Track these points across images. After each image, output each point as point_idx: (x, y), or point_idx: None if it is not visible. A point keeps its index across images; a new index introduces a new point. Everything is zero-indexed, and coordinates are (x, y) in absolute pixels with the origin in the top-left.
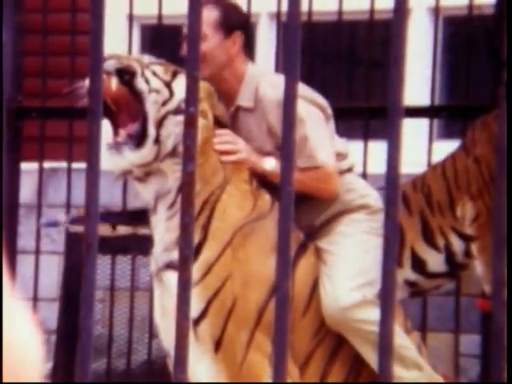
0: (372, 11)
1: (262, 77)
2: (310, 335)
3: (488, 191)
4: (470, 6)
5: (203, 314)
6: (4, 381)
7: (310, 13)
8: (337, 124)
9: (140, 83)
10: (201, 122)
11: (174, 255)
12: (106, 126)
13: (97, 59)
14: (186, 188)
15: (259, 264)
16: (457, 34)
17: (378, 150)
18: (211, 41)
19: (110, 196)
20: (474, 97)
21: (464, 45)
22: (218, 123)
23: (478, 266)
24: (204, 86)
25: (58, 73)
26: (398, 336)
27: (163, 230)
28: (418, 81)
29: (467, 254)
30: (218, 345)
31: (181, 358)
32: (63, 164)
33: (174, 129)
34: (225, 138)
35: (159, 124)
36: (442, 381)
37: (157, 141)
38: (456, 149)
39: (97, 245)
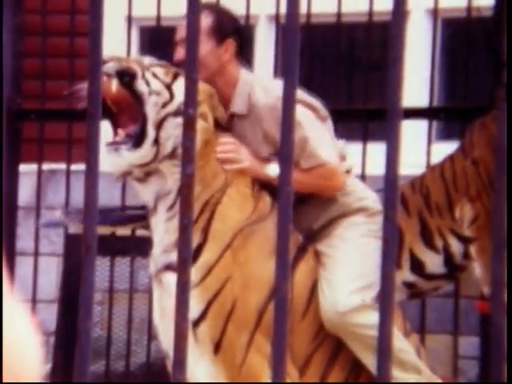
0: (371, 13)
1: (255, 82)
2: (309, 338)
3: (486, 193)
4: (469, 8)
5: (203, 316)
6: (3, 381)
7: (308, 15)
8: (336, 126)
9: (140, 85)
10: (201, 124)
11: (173, 257)
12: (106, 127)
13: (96, 61)
14: (185, 190)
15: (259, 266)
16: (455, 36)
17: (376, 151)
18: (203, 47)
19: (109, 197)
20: (472, 98)
21: (463, 46)
22: (219, 126)
23: (477, 268)
24: (204, 88)
25: (57, 74)
26: (397, 339)
27: (162, 231)
28: (417, 82)
29: (466, 255)
30: (217, 346)
31: (180, 359)
32: (62, 166)
33: (173, 131)
34: (227, 147)
35: (159, 125)
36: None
37: (156, 142)
38: (454, 150)
39: (96, 246)
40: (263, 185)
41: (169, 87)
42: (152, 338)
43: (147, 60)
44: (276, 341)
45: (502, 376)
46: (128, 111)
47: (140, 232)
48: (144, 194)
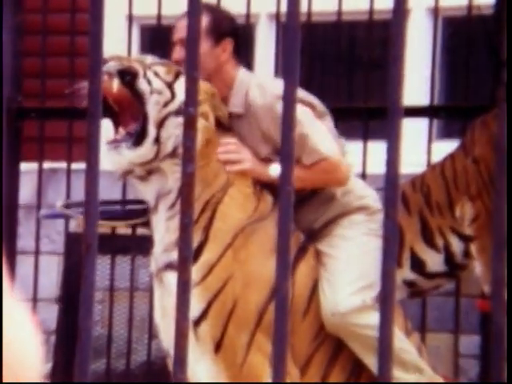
0: (371, 12)
1: (252, 82)
2: (310, 338)
3: (487, 191)
4: (469, 7)
5: (203, 315)
6: (4, 381)
7: (309, 13)
8: (336, 124)
9: (142, 84)
10: (202, 123)
11: (174, 256)
12: (107, 125)
13: (96, 60)
14: (186, 189)
15: (260, 265)
16: (456, 35)
17: (377, 150)
18: (201, 47)
19: (109, 196)
20: (473, 97)
21: (463, 45)
22: (221, 125)
23: (478, 267)
24: (205, 88)
25: (57, 73)
26: (399, 339)
27: (163, 230)
28: (418, 81)
29: (466, 254)
30: (218, 346)
31: (180, 358)
32: (63, 164)
33: (174, 130)
34: (229, 148)
35: (160, 124)
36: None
37: (157, 141)
38: (455, 149)
39: (96, 245)
40: (265, 184)
41: (170, 86)
42: (153, 337)
43: (149, 59)
44: (277, 340)
45: (503, 375)
46: (130, 110)
47: (141, 230)
48: (145, 192)
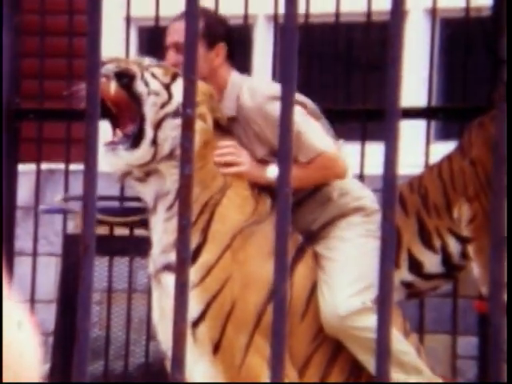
0: (369, 13)
1: (243, 84)
2: (309, 339)
3: (484, 193)
4: (467, 8)
5: (202, 317)
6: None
7: (307, 15)
8: (334, 126)
9: (139, 86)
10: (200, 125)
11: (172, 257)
12: (105, 127)
13: (94, 61)
14: (184, 191)
15: (258, 267)
16: (454, 36)
17: (375, 151)
18: None
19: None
20: (471, 98)
21: (461, 46)
22: (219, 127)
23: (475, 268)
24: (203, 89)
25: (55, 74)
26: (397, 341)
27: (161, 231)
28: (416, 82)
29: (463, 255)
30: (216, 347)
31: (178, 358)
32: (61, 165)
33: (171, 132)
34: (226, 150)
35: (157, 126)
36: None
37: (154, 142)
38: (452, 150)
39: (94, 246)
40: (263, 186)
41: (167, 87)
42: (151, 338)
43: (147, 60)
44: (275, 341)
45: (501, 376)
46: (127, 112)
47: (139, 232)
48: (144, 194)
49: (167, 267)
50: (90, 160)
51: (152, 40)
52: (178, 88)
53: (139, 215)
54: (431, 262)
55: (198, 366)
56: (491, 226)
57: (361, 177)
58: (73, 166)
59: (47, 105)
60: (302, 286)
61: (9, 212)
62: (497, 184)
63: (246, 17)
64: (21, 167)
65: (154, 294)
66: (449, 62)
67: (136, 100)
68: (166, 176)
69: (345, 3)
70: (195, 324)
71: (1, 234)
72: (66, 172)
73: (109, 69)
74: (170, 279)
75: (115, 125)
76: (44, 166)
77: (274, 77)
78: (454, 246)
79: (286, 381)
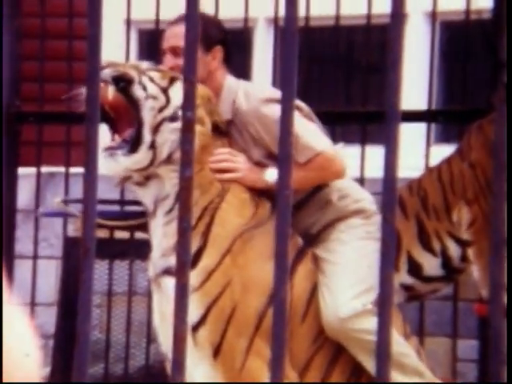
0: (369, 16)
1: (239, 88)
2: (309, 342)
3: (484, 196)
4: (467, 11)
5: (202, 320)
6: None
7: (307, 18)
8: (334, 128)
9: (137, 90)
10: (198, 128)
11: (172, 261)
12: (104, 130)
13: (94, 64)
14: (184, 193)
15: (258, 270)
16: (454, 39)
17: (375, 154)
18: None
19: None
20: (470, 101)
21: (461, 49)
22: (217, 129)
23: (475, 271)
24: (202, 92)
25: (55, 77)
26: (398, 344)
27: (161, 235)
28: (416, 85)
29: (463, 258)
30: (217, 351)
31: (178, 362)
32: (61, 169)
33: (169, 136)
34: (222, 157)
35: (155, 130)
36: None
37: (152, 147)
38: (452, 153)
39: (94, 249)
40: (262, 190)
41: (165, 91)
42: (151, 341)
43: (144, 64)
44: (274, 343)
45: (501, 379)
46: (126, 116)
47: (139, 235)
48: (143, 197)
49: (167, 271)
50: (90, 163)
51: (152, 43)
52: (175, 92)
53: (139, 219)
54: (431, 265)
55: (199, 369)
56: (491, 229)
57: (361, 179)
58: (73, 169)
59: (47, 108)
60: (302, 288)
61: (9, 215)
62: (497, 187)
63: (246, 19)
64: (21, 170)
65: (154, 298)
66: (449, 65)
67: (134, 104)
68: (165, 180)
69: (345, 6)
70: (195, 328)
71: (1, 237)
72: (66, 175)
73: (106, 73)
74: (170, 283)
75: (113, 129)
76: (44, 169)
77: (274, 79)
78: (453, 249)
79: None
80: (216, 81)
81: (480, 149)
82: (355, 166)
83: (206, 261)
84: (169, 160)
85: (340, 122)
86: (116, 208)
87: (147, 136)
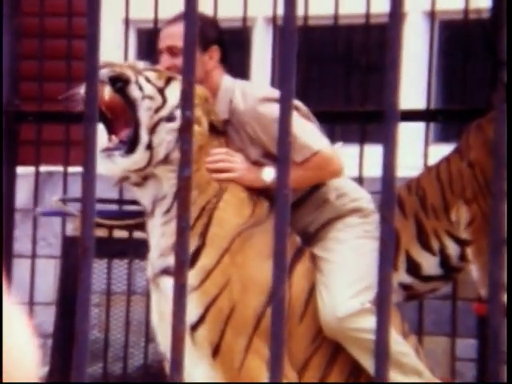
0: (368, 15)
1: (235, 88)
2: (308, 341)
3: (483, 195)
4: (466, 10)
5: (201, 320)
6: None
7: (306, 17)
8: (333, 128)
9: (133, 90)
10: (195, 128)
11: (170, 260)
12: (102, 131)
13: (93, 64)
14: (183, 193)
15: (257, 270)
16: (453, 38)
17: (374, 153)
18: None
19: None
20: (470, 100)
21: (460, 48)
22: (214, 129)
23: (474, 271)
24: (199, 92)
25: (54, 76)
26: (397, 343)
27: (159, 235)
28: (414, 84)
29: (462, 257)
30: (215, 350)
31: (177, 361)
32: (59, 168)
33: (166, 136)
34: (219, 157)
35: (152, 130)
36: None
37: (149, 147)
38: (450, 152)
39: (93, 249)
40: (259, 189)
41: (161, 91)
42: (150, 341)
43: (141, 64)
44: (273, 342)
45: (500, 378)
46: (122, 117)
47: (138, 234)
48: (142, 198)
49: (165, 271)
50: (88, 162)
51: (151, 42)
52: (172, 92)
53: (137, 218)
54: (429, 264)
55: (198, 369)
56: (491, 228)
57: (360, 179)
58: (72, 169)
59: (46, 107)
60: (300, 287)
61: (8, 214)
62: (496, 186)
63: (244, 19)
64: (20, 169)
65: (153, 298)
66: (448, 64)
67: (130, 104)
68: (163, 180)
69: (344, 5)
70: (194, 327)
71: (0, 236)
72: (65, 174)
73: (103, 73)
74: (168, 283)
75: (110, 130)
76: (43, 168)
77: (273, 79)
78: (452, 248)
79: (285, 380)
80: (213, 81)
81: (479, 148)
82: (354, 165)
83: (205, 260)
84: (166, 160)
85: (339, 121)
86: (115, 207)
87: (144, 136)
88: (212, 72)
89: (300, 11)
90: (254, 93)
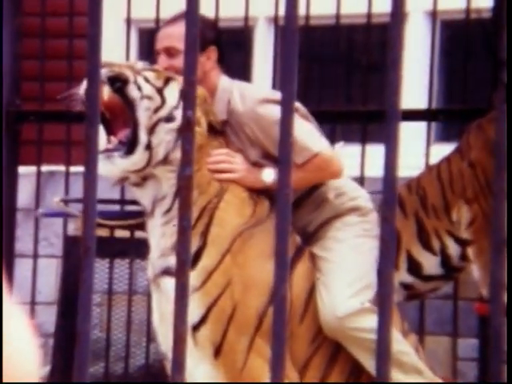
0: (369, 15)
1: (233, 89)
2: (309, 341)
3: (483, 195)
4: (468, 10)
5: (203, 320)
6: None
7: (307, 17)
8: (334, 127)
9: (132, 90)
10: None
11: (171, 261)
12: (101, 132)
13: (94, 64)
14: (184, 192)
15: (258, 269)
16: (454, 38)
17: (375, 153)
18: None
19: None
20: (471, 100)
21: (461, 48)
22: (213, 129)
23: (475, 271)
24: (198, 92)
25: (56, 76)
26: (397, 341)
27: (159, 235)
28: (416, 84)
29: (463, 257)
30: (217, 350)
31: (178, 362)
32: (61, 167)
33: (165, 136)
34: (220, 158)
35: (151, 131)
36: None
37: (148, 147)
38: (451, 152)
39: (94, 248)
40: (260, 190)
41: (160, 92)
42: (151, 340)
43: (139, 64)
44: (275, 342)
45: (501, 378)
46: (122, 117)
47: (139, 234)
48: (142, 198)
49: (166, 271)
50: (90, 162)
51: (152, 42)
52: (170, 92)
53: (139, 218)
54: (430, 264)
55: (199, 369)
56: (492, 228)
57: (361, 178)
58: (73, 168)
59: (47, 107)
60: (300, 287)
61: (9, 214)
62: (497, 186)
63: (246, 19)
64: (21, 169)
65: (154, 298)
66: (449, 64)
67: (129, 104)
68: (163, 180)
69: (345, 5)
70: (196, 327)
71: (1, 236)
72: (67, 174)
73: (102, 73)
74: (169, 283)
75: (108, 130)
76: (44, 168)
77: (275, 79)
78: (453, 248)
79: (286, 380)
80: (210, 81)
81: (480, 148)
82: (355, 165)
83: (206, 261)
84: (165, 160)
85: (340, 121)
86: (116, 207)
87: (143, 137)
88: (210, 72)
89: (301, 11)
90: (252, 94)
